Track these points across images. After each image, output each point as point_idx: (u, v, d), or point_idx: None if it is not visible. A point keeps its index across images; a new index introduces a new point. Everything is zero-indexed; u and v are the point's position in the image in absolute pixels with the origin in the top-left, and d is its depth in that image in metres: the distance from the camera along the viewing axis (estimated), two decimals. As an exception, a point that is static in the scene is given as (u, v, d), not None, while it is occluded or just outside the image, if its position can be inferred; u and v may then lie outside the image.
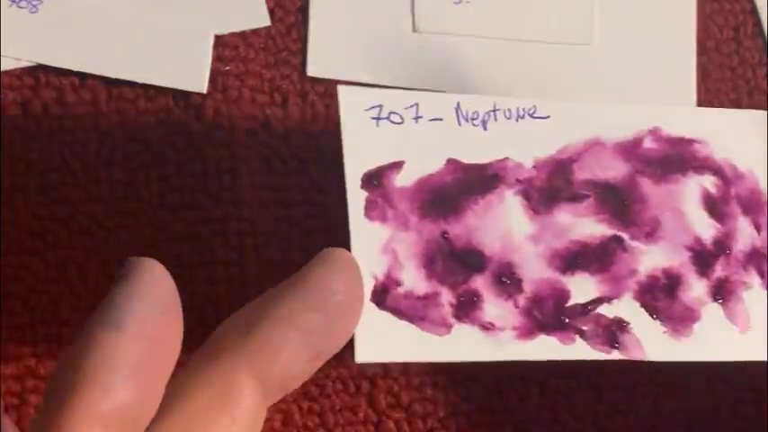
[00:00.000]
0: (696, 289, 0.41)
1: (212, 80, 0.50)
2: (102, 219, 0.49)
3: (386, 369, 0.49)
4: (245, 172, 0.50)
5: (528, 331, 0.39)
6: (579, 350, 0.39)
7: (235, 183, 0.49)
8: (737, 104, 0.55)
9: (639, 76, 0.54)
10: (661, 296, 0.40)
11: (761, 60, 0.56)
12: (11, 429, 0.31)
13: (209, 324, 0.48)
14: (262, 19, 0.52)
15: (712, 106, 0.55)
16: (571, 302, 0.40)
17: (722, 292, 0.41)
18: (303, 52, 0.52)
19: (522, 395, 0.49)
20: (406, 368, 0.49)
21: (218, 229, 0.49)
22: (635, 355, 0.39)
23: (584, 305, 0.40)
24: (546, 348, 0.39)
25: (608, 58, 0.54)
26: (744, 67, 0.56)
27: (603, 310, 0.40)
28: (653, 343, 0.40)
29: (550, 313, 0.39)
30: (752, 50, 0.56)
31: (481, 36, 0.53)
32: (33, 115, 0.50)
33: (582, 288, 0.40)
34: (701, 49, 0.55)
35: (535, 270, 0.40)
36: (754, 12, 0.56)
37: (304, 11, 0.53)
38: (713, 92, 0.55)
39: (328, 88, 0.52)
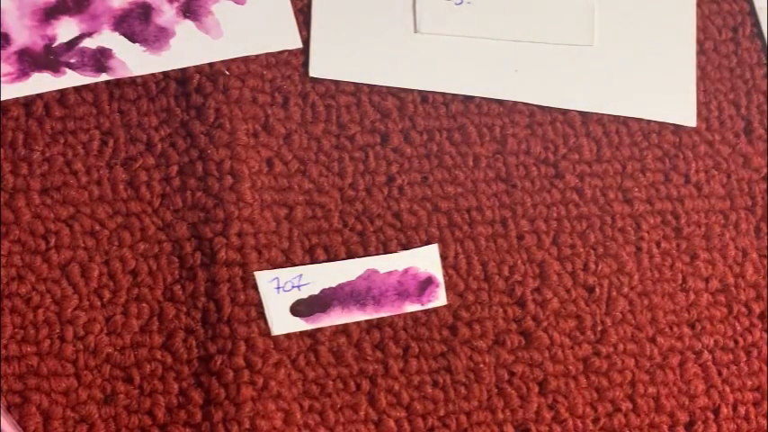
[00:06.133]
0: (167, 12, 0.50)
1: (213, 80, 0.51)
2: (105, 219, 0.49)
3: (386, 368, 0.49)
4: (246, 173, 0.50)
5: (22, 74, 0.49)
6: (71, 79, 0.49)
7: (236, 183, 0.49)
8: (737, 104, 0.55)
9: (640, 77, 0.54)
10: (136, 23, 0.50)
11: (759, 61, 0.56)
12: (11, 428, 0.31)
13: (211, 324, 0.48)
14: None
15: (711, 106, 0.55)
16: (57, 43, 0.49)
17: (191, 10, 0.50)
18: (305, 53, 0.52)
19: (523, 395, 0.50)
20: (406, 367, 0.49)
21: (220, 230, 0.49)
22: (123, 74, 0.50)
23: (68, 43, 0.49)
24: (42, 83, 0.49)
25: (608, 59, 0.54)
26: (742, 67, 0.56)
27: (87, 43, 0.50)
28: (136, 62, 0.50)
29: (39, 56, 0.49)
30: (750, 51, 0.56)
31: (482, 37, 0.54)
32: (36, 116, 0.50)
33: (65, 30, 0.50)
34: (701, 50, 0.55)
35: (20, 24, 0.49)
36: (752, 13, 0.56)
37: (305, 12, 0.53)
38: (712, 92, 0.55)
39: (329, 89, 0.52)
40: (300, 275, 0.49)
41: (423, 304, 0.50)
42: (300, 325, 0.49)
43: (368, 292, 0.49)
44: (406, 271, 0.50)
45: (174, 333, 0.48)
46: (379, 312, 0.49)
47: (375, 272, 0.50)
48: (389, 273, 0.50)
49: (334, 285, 0.49)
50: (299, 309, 0.49)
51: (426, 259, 0.50)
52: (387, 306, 0.49)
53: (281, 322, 0.48)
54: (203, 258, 0.49)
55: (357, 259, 0.50)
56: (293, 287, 0.49)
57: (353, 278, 0.49)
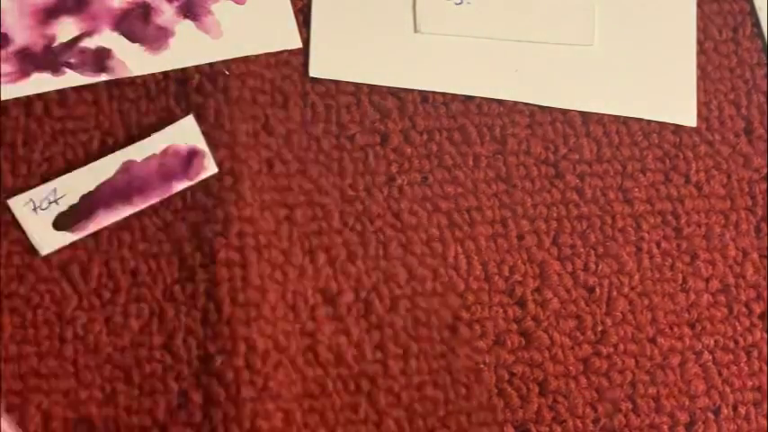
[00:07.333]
0: (166, 12, 0.50)
1: (213, 80, 0.51)
2: (105, 219, 0.49)
3: (386, 368, 0.49)
4: (246, 173, 0.50)
5: (22, 74, 0.49)
6: (71, 79, 0.49)
7: (236, 183, 0.49)
8: (737, 104, 0.55)
9: (640, 77, 0.54)
10: (136, 23, 0.50)
11: (760, 61, 0.56)
12: (11, 429, 0.31)
13: (211, 324, 0.48)
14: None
15: (712, 106, 0.55)
16: (56, 43, 0.49)
17: (191, 10, 0.50)
18: (305, 53, 0.52)
19: (523, 395, 0.50)
20: (406, 367, 0.49)
21: (220, 230, 0.49)
22: (122, 74, 0.50)
23: (68, 43, 0.49)
24: (42, 83, 0.49)
25: (609, 59, 0.54)
26: (743, 67, 0.56)
27: (87, 43, 0.50)
28: (136, 62, 0.50)
29: (39, 56, 0.48)
30: (751, 51, 0.56)
31: (481, 36, 0.54)
32: (36, 116, 0.50)
33: (65, 30, 0.50)
34: (701, 50, 0.55)
35: (20, 24, 0.50)
36: (752, 13, 0.56)
37: (305, 12, 0.53)
38: (713, 92, 0.55)
39: (329, 89, 0.52)
40: (55, 189, 0.48)
41: (191, 179, 0.49)
42: (68, 237, 0.48)
43: (129, 185, 0.49)
44: (165, 151, 0.49)
45: (174, 333, 0.48)
46: (148, 201, 0.49)
47: (132, 162, 0.49)
48: (147, 159, 0.49)
49: (92, 189, 0.49)
50: (62, 222, 0.48)
51: (184, 133, 0.50)
52: (154, 193, 0.49)
53: (47, 241, 0.48)
54: (203, 258, 0.49)
55: (110, 155, 0.49)
56: (50, 203, 0.48)
57: (112, 175, 0.49)
